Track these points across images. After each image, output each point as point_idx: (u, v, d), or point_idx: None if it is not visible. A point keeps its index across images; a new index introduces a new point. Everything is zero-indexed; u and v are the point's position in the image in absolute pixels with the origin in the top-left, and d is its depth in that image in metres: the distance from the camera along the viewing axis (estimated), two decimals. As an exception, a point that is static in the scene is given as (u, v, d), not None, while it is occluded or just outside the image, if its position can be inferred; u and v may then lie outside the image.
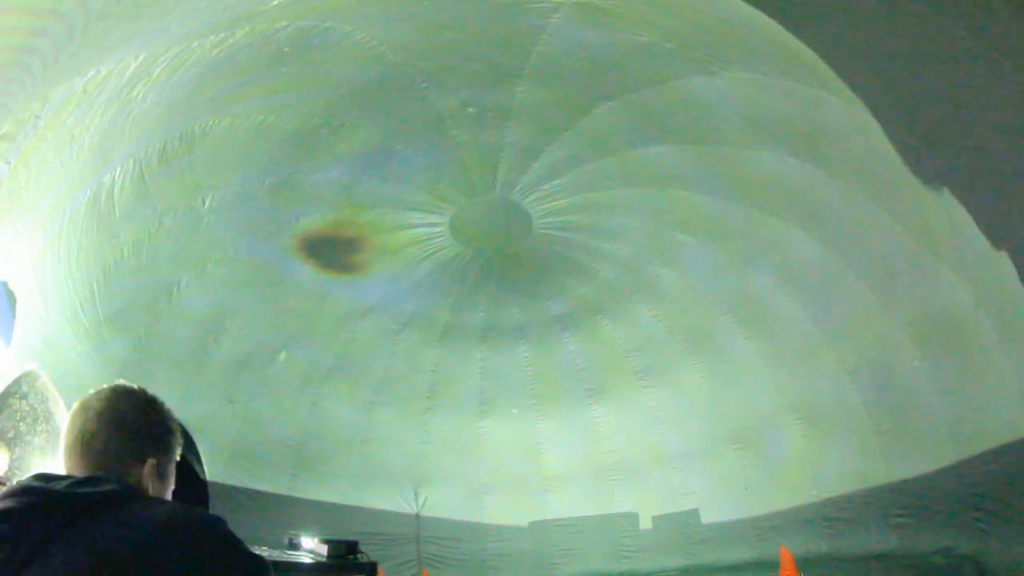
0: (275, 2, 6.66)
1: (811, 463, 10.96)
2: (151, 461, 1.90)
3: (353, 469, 12.31)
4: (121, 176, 7.72)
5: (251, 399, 11.37)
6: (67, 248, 7.54)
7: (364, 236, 10.44)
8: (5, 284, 6.94)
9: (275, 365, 11.46)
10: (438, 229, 10.97)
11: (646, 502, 12.58)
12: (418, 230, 10.99)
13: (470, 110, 9.06)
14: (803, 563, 10.02)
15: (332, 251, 10.65)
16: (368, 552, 8.73)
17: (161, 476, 1.95)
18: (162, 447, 1.98)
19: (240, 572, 1.70)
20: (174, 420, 2.08)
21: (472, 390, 12.92)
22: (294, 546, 9.02)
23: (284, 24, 7.09)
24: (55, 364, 7.19)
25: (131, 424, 1.91)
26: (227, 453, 11.23)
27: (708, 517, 12.03)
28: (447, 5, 7.52)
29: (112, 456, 1.84)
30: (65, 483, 1.67)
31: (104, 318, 8.68)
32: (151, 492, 1.89)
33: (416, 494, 12.46)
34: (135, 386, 1.99)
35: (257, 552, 1.80)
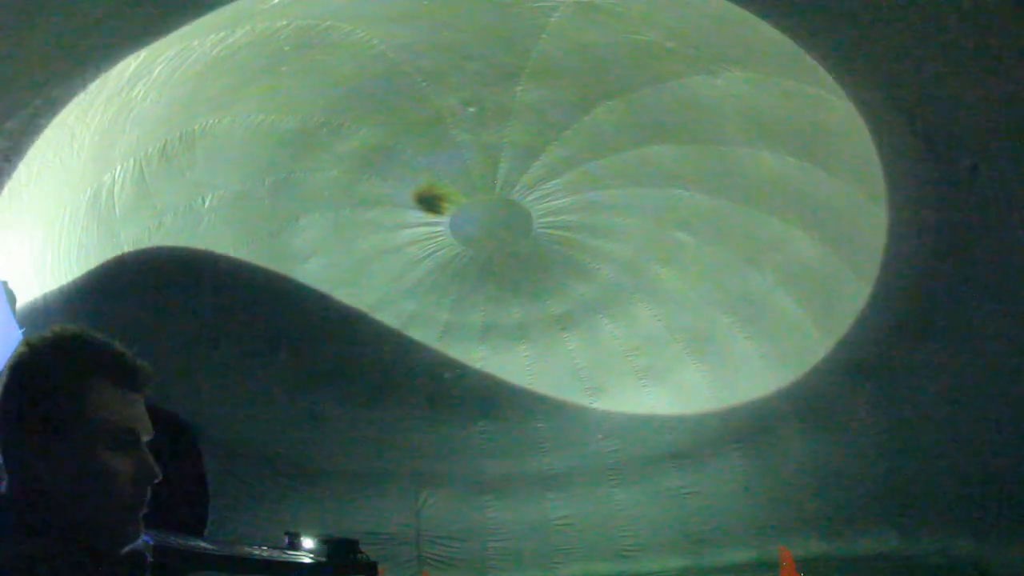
0: (275, 1, 6.66)
1: (811, 463, 10.97)
2: None
3: (353, 469, 12.31)
4: (121, 175, 7.73)
5: (251, 399, 11.37)
6: (67, 247, 7.54)
7: (448, 195, 10.46)
8: (5, 283, 6.94)
9: (276, 364, 11.46)
10: (438, 228, 10.97)
11: (646, 502, 12.58)
12: (418, 229, 10.99)
13: (470, 109, 9.06)
14: (803, 563, 10.01)
15: (431, 200, 10.62)
16: (368, 552, 8.76)
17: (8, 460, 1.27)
18: None
19: None
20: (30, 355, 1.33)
21: (472, 390, 12.92)
22: (294, 546, 9.04)
23: (284, 23, 7.09)
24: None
25: None
26: (228, 452, 11.23)
27: (708, 517, 12.03)
28: (447, 4, 7.52)
29: None
30: None
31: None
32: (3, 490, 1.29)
33: (416, 494, 12.46)
34: None
35: None
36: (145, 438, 1.38)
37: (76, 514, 1.27)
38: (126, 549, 1.37)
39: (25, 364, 1.30)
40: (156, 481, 1.37)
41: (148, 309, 9.61)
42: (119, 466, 1.31)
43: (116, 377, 1.35)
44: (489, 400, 12.99)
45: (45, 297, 7.48)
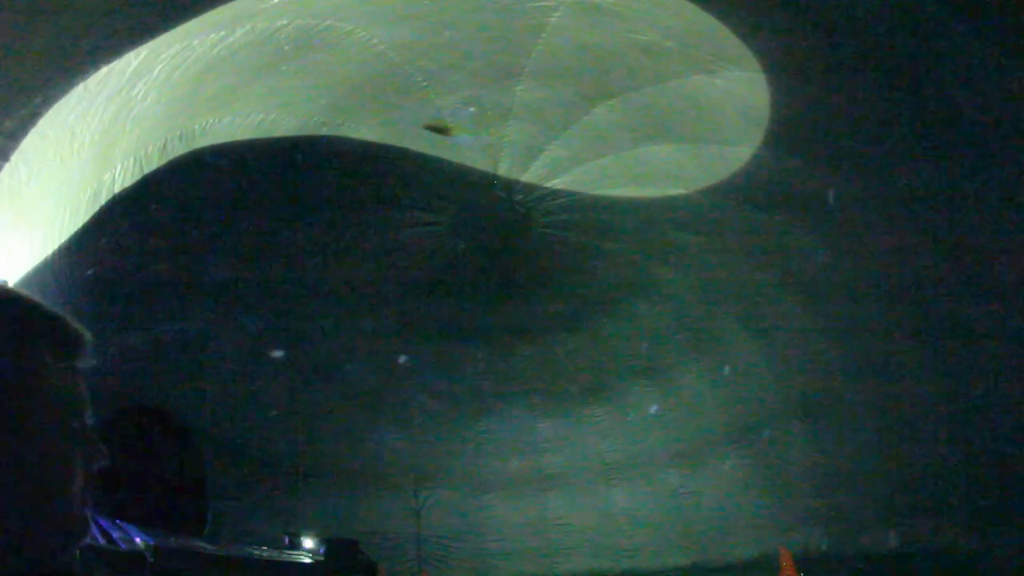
0: (275, 0, 6.66)
1: (811, 462, 10.97)
2: None
3: (353, 469, 12.31)
4: (122, 174, 7.71)
5: (251, 399, 11.36)
6: (68, 246, 7.53)
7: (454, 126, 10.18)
8: (5, 283, 6.93)
9: (276, 364, 11.46)
10: (438, 228, 10.97)
11: (646, 502, 12.57)
12: (418, 229, 10.99)
13: (471, 109, 9.06)
14: (803, 563, 10.01)
15: (440, 128, 10.50)
16: (368, 552, 8.76)
17: None
18: None
19: None
20: None
21: (472, 390, 12.91)
22: (294, 545, 9.05)
23: (284, 22, 7.09)
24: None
25: None
26: (228, 452, 11.23)
27: (708, 516, 12.03)
28: (448, 4, 7.52)
29: None
30: None
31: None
32: None
33: (416, 494, 12.46)
34: None
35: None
36: (89, 420, 1.08)
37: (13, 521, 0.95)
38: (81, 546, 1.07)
39: None
40: (104, 464, 1.07)
41: (148, 308, 9.62)
42: (72, 453, 1.02)
43: (54, 344, 1.05)
44: (489, 400, 12.99)
45: (45, 297, 7.47)
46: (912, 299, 8.97)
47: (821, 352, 10.52)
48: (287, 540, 8.90)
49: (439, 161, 9.93)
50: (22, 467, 0.96)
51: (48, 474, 0.99)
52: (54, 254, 7.37)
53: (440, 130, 9.68)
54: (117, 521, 6.37)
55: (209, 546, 8.11)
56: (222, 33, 6.77)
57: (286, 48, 7.43)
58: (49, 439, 0.99)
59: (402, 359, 12.44)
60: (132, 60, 6.12)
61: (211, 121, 8.21)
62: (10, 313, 1.05)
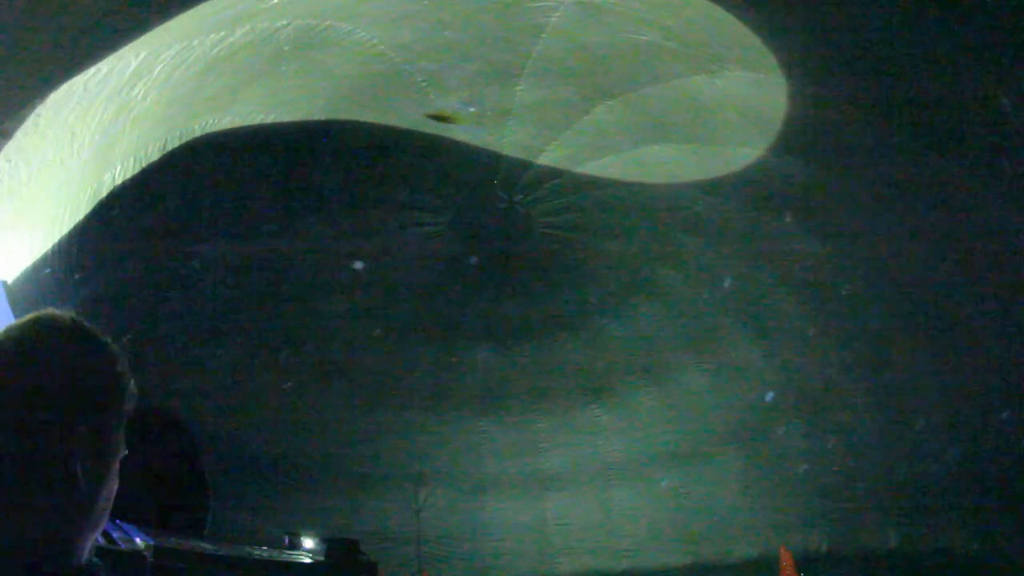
0: (275, 1, 6.66)
1: (811, 462, 10.97)
2: None
3: (353, 469, 12.30)
4: (122, 174, 7.72)
5: (252, 399, 11.36)
6: (68, 246, 7.54)
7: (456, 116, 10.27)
8: (5, 283, 6.94)
9: (276, 364, 11.46)
10: (438, 229, 10.96)
11: (646, 502, 12.57)
12: (418, 229, 10.99)
13: (471, 109, 9.06)
14: (803, 563, 10.01)
15: (443, 117, 10.44)
16: (368, 552, 8.76)
17: None
18: None
19: None
20: None
21: (472, 390, 12.91)
22: (294, 545, 9.06)
23: (284, 23, 7.09)
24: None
25: None
26: (228, 452, 11.23)
27: (708, 516, 12.02)
28: (448, 4, 7.52)
29: None
30: None
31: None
32: None
33: (416, 493, 12.46)
34: None
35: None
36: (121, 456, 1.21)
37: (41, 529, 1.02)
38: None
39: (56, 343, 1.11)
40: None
41: (148, 309, 9.62)
42: (101, 484, 1.12)
43: (119, 400, 1.19)
44: (489, 400, 12.98)
45: (45, 296, 7.48)
46: (912, 299, 8.97)
47: (821, 352, 10.51)
48: (287, 540, 8.90)
49: (439, 161, 9.93)
50: (52, 493, 1.04)
51: (73, 500, 1.06)
52: (54, 254, 7.37)
53: (443, 119, 9.69)
54: (117, 521, 6.37)
55: (209, 546, 8.12)
56: (222, 33, 6.77)
57: (286, 48, 7.43)
58: (85, 473, 1.07)
59: (402, 359, 12.32)
60: (132, 60, 6.12)
61: (211, 121, 8.21)
62: (110, 350, 1.19)
